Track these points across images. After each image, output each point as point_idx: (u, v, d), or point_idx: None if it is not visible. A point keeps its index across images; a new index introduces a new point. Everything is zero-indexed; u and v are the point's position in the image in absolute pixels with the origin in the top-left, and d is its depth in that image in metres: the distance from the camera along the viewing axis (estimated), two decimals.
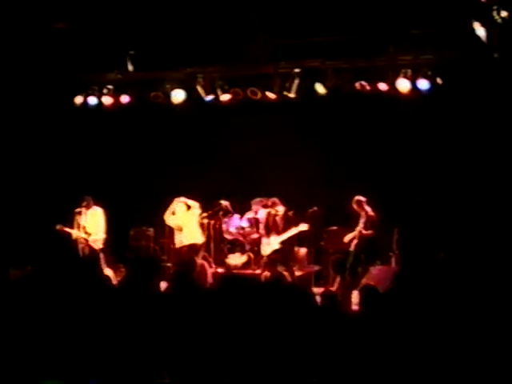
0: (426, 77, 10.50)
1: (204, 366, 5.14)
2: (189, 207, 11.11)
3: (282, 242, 10.78)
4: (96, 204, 11.03)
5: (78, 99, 11.92)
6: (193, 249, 11.02)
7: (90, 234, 10.87)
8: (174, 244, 11.32)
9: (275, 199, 10.98)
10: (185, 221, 11.04)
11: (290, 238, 10.84)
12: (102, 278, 6.95)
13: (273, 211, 11.01)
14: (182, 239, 11.03)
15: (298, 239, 11.23)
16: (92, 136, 12.44)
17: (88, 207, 10.93)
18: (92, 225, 10.92)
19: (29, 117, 11.78)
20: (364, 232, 10.30)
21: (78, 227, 10.90)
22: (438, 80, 10.41)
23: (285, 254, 10.91)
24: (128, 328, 5.22)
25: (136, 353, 5.08)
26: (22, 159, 11.95)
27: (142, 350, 5.10)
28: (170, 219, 11.15)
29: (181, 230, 11.03)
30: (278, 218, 10.94)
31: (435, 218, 10.42)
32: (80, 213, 10.89)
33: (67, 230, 10.90)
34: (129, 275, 6.83)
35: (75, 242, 10.94)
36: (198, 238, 11.12)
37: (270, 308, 5.54)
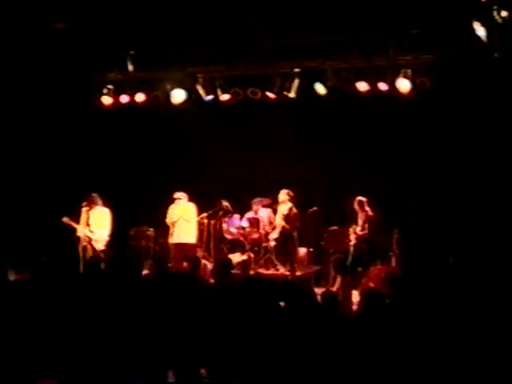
0: (426, 77, 10.52)
1: (203, 366, 5.14)
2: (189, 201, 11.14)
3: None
4: (104, 203, 10.97)
5: (79, 99, 11.94)
6: (188, 248, 10.99)
7: (94, 234, 10.80)
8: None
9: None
10: (183, 216, 11.06)
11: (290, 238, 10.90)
12: (102, 278, 6.94)
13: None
14: (175, 236, 11.02)
15: (298, 239, 11.24)
16: (90, 136, 12.43)
17: (92, 205, 10.84)
18: (97, 225, 10.85)
19: (29, 116, 11.78)
20: (360, 233, 10.31)
21: (84, 224, 10.82)
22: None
23: (286, 253, 10.94)
24: (127, 328, 5.22)
25: (135, 354, 5.08)
26: (22, 159, 11.94)
27: (141, 351, 5.10)
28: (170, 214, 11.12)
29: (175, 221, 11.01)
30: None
31: (435, 218, 10.42)
32: (87, 210, 10.80)
33: (73, 224, 10.79)
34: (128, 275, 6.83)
35: (78, 239, 10.86)
36: (192, 237, 11.12)
37: (270, 308, 5.54)
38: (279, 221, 10.99)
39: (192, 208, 11.12)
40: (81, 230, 10.73)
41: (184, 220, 10.97)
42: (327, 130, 11.90)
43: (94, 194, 10.87)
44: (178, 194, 11.06)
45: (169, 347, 5.20)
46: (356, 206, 10.43)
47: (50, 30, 10.78)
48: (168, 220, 11.12)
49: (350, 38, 10.62)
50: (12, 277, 6.34)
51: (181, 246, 10.93)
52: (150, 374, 4.95)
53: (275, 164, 12.11)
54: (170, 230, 11.10)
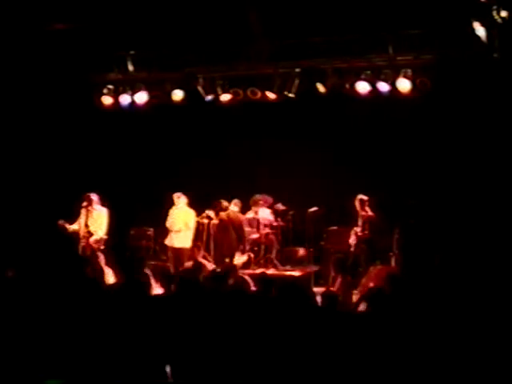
0: (426, 77, 10.52)
1: (204, 366, 5.14)
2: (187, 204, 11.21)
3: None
4: (102, 203, 10.98)
5: (77, 99, 11.95)
6: (183, 252, 11.08)
7: (92, 234, 10.80)
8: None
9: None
10: (182, 221, 11.12)
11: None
12: (100, 278, 6.94)
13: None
14: (174, 241, 11.13)
15: (298, 239, 11.24)
16: (91, 136, 12.43)
17: (91, 205, 10.85)
18: (96, 224, 10.85)
19: (30, 116, 11.79)
20: (360, 234, 10.31)
21: (82, 225, 10.81)
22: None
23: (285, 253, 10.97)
24: (127, 328, 5.22)
25: (136, 352, 5.08)
26: (23, 159, 11.95)
27: (142, 350, 5.10)
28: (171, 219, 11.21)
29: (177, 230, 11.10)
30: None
31: (435, 218, 10.41)
32: (85, 211, 10.80)
33: (68, 226, 10.80)
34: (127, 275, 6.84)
35: (76, 240, 10.87)
36: (188, 242, 11.20)
37: (271, 308, 5.54)
38: None
39: (192, 215, 11.25)
40: (78, 232, 10.75)
41: (184, 228, 11.11)
42: (327, 129, 11.89)
43: (91, 194, 10.88)
44: (177, 195, 11.15)
45: (169, 348, 5.21)
46: (357, 205, 10.44)
47: (50, 30, 10.78)
48: (168, 224, 11.23)
49: (350, 38, 10.62)
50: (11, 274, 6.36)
51: (176, 251, 11.13)
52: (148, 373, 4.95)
53: (275, 164, 12.11)
54: (169, 233, 11.25)
